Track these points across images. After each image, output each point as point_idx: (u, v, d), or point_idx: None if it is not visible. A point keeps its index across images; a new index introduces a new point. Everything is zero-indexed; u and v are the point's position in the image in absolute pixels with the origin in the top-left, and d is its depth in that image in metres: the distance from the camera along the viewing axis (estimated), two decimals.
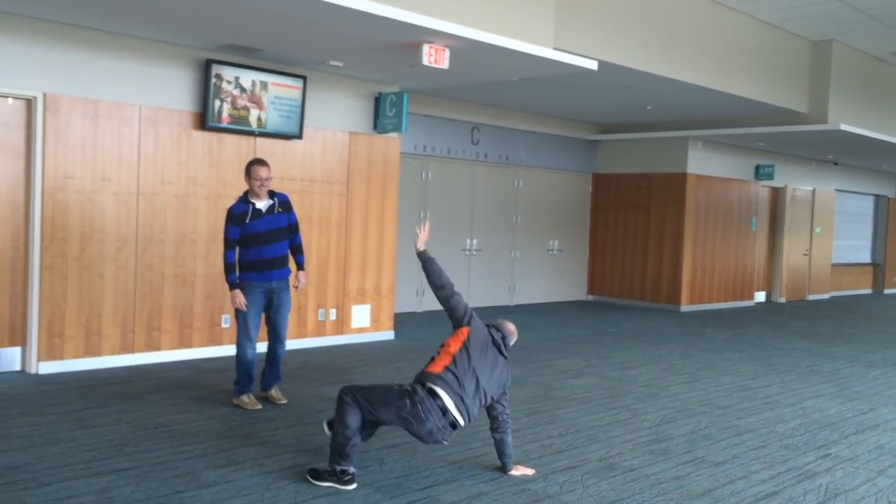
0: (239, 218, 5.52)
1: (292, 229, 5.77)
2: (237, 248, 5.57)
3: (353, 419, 4.13)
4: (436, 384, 4.13)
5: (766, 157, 14.36)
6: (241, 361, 5.65)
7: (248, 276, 5.56)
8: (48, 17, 6.18)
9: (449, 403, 4.12)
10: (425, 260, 4.56)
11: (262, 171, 5.53)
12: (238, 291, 5.50)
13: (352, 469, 4.12)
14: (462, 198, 11.76)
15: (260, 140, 7.59)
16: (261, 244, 5.55)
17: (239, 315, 5.60)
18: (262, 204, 5.59)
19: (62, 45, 6.38)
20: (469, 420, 4.24)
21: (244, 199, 5.59)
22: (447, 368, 4.19)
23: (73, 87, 6.47)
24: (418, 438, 4.19)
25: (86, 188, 6.56)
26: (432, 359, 4.32)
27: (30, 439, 4.68)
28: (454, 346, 4.30)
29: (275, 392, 5.86)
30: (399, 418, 4.10)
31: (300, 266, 5.87)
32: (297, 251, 5.84)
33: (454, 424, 4.18)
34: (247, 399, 5.68)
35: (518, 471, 4.46)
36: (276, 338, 5.77)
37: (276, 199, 5.66)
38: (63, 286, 6.47)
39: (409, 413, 4.06)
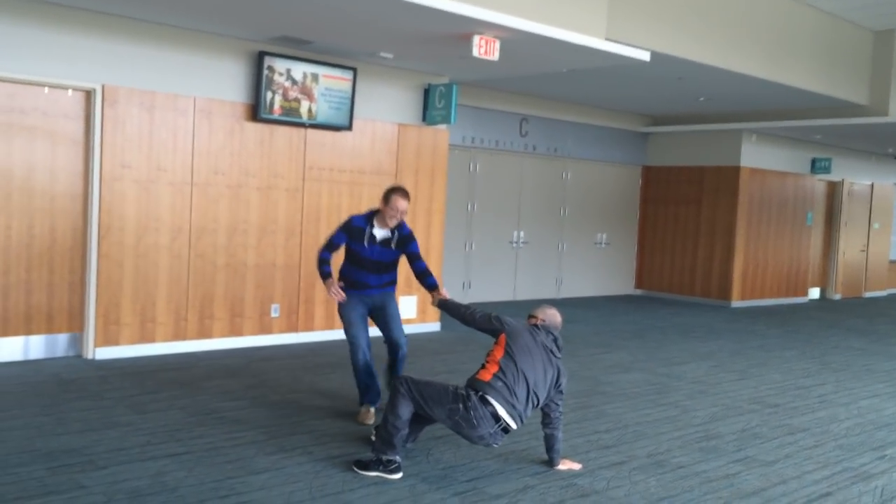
0: (354, 232, 5.09)
1: (415, 258, 5.19)
2: (339, 256, 5.18)
3: (405, 410, 4.16)
4: (487, 393, 4.13)
5: (822, 150, 14.00)
6: (354, 369, 5.21)
7: (346, 290, 5.11)
8: (107, 10, 6.32)
9: (501, 411, 4.12)
10: (443, 307, 4.80)
11: (401, 203, 4.97)
12: (332, 281, 5.01)
13: (398, 458, 4.15)
14: (510, 190, 11.72)
15: (310, 131, 7.67)
16: (367, 270, 5.14)
17: (342, 317, 5.17)
18: (381, 233, 5.10)
19: (120, 38, 6.52)
20: (521, 423, 4.24)
21: (368, 218, 5.11)
22: (496, 376, 4.18)
23: (131, 78, 6.61)
24: (468, 440, 4.21)
25: (142, 178, 6.71)
26: (483, 366, 4.31)
27: (87, 423, 4.82)
28: (498, 353, 4.29)
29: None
30: (451, 420, 4.11)
31: (432, 288, 5.07)
32: (425, 275, 5.15)
33: (506, 430, 4.18)
34: (363, 409, 5.25)
35: (565, 465, 4.44)
36: (392, 342, 5.23)
37: (396, 233, 5.11)
38: (119, 274, 6.63)
39: (461, 417, 4.08)
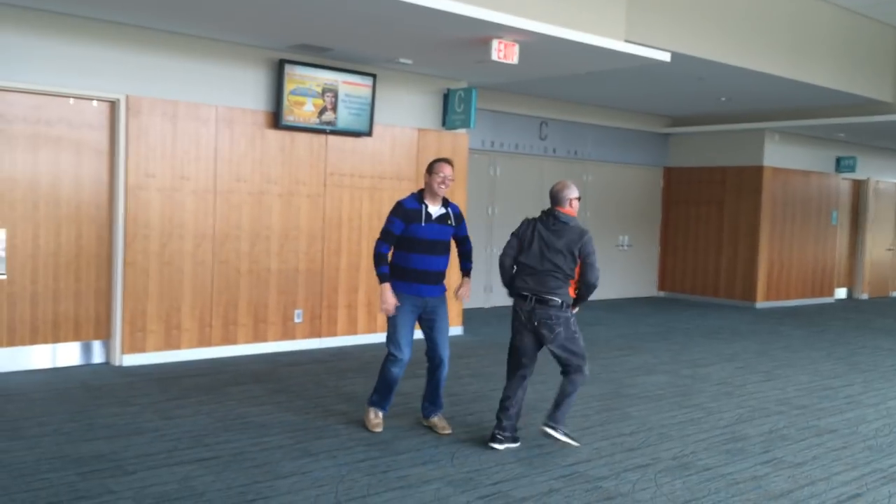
0: (409, 214, 4.86)
1: (463, 240, 5.16)
2: (392, 250, 4.97)
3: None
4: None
5: (847, 148, 13.84)
6: (383, 370, 4.99)
7: (396, 284, 4.89)
8: (129, 21, 6.40)
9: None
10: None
11: (446, 169, 4.88)
12: (389, 286, 4.84)
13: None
14: (530, 193, 11.69)
15: (331, 138, 7.71)
16: (420, 252, 4.88)
17: (389, 318, 4.95)
18: (435, 209, 4.94)
19: (143, 49, 6.60)
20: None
21: (417, 198, 4.94)
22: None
23: (154, 89, 6.69)
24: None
25: (166, 186, 6.78)
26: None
27: (115, 429, 4.87)
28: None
29: (438, 420, 5.09)
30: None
31: (466, 272, 5.17)
32: (466, 257, 5.17)
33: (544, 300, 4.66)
34: (373, 415, 5.07)
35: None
36: (434, 357, 5.02)
37: (449, 208, 5.01)
38: (145, 281, 6.71)
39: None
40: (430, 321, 4.97)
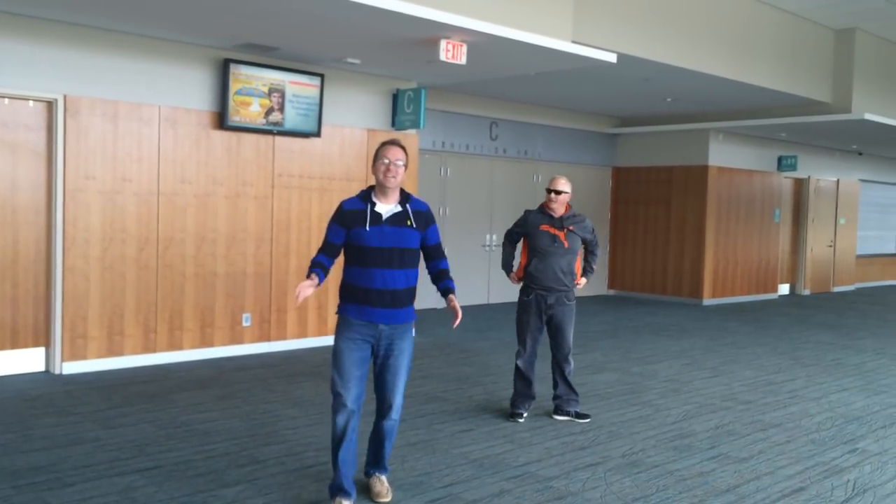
0: (349, 217, 3.77)
1: (434, 253, 3.98)
2: (337, 259, 3.89)
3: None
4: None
5: (788, 148, 14.18)
6: (332, 433, 3.80)
7: (345, 307, 3.80)
8: (66, 19, 6.22)
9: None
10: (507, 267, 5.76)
11: (393, 152, 3.80)
12: (310, 280, 3.64)
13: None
14: (481, 193, 11.73)
15: (278, 139, 7.60)
16: (369, 265, 3.73)
17: (334, 356, 3.80)
18: (387, 208, 3.79)
19: (81, 48, 6.41)
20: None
21: (363, 196, 3.84)
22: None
23: (93, 88, 6.50)
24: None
25: (107, 189, 6.60)
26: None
27: (53, 440, 4.72)
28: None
29: (376, 482, 3.96)
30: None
31: (447, 291, 3.95)
32: (443, 276, 3.99)
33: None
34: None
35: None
36: (381, 404, 3.88)
37: (409, 206, 3.85)
38: (85, 287, 6.52)
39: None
40: (384, 356, 3.80)
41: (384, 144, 3.88)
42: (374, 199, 3.81)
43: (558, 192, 5.43)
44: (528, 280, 5.49)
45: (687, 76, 9.07)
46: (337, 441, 3.78)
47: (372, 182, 3.90)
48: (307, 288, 3.58)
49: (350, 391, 3.72)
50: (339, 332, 3.80)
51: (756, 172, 13.66)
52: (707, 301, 12.83)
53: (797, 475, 4.50)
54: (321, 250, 3.83)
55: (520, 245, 5.69)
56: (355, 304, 3.76)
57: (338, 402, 3.74)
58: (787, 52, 9.93)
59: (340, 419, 3.74)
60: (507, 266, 5.72)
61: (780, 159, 14.06)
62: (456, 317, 3.88)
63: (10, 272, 6.28)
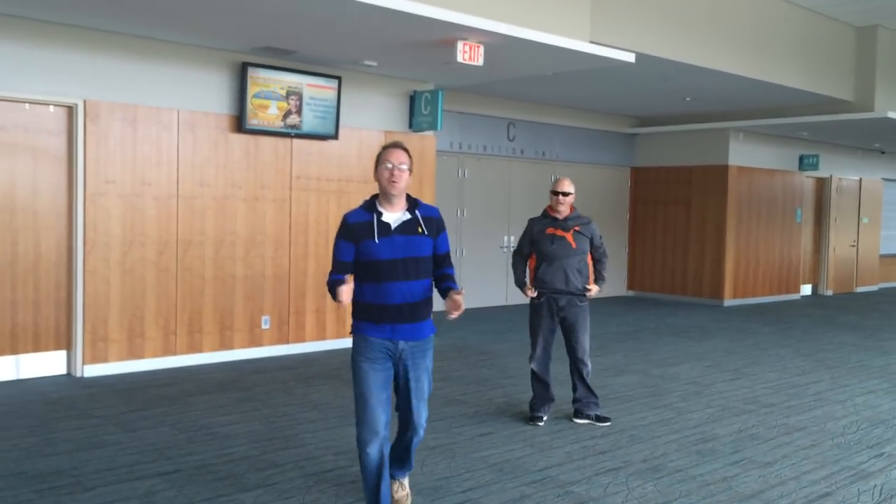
0: (357, 231, 3.53)
1: (442, 262, 3.72)
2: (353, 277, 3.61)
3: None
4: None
5: (810, 147, 14.03)
6: (362, 466, 3.55)
7: (360, 325, 3.59)
8: (87, 24, 6.25)
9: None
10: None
11: (395, 155, 3.58)
12: (341, 285, 3.43)
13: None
14: (499, 195, 11.69)
15: (296, 141, 7.61)
16: (383, 279, 3.51)
17: (355, 380, 3.56)
18: (394, 216, 3.57)
19: (101, 53, 6.45)
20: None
21: (367, 206, 3.61)
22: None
23: (113, 93, 6.54)
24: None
25: (126, 192, 6.63)
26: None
27: (75, 443, 4.74)
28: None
29: (398, 489, 3.90)
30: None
31: (450, 290, 3.63)
32: (447, 279, 3.75)
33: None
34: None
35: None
36: (406, 423, 3.71)
37: (418, 212, 3.65)
38: (106, 290, 6.55)
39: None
40: (406, 377, 3.60)
41: (386, 148, 3.64)
42: (380, 209, 3.57)
43: (564, 194, 5.39)
44: (539, 284, 5.43)
45: (706, 75, 8.98)
46: (374, 478, 3.48)
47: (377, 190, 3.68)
48: (348, 293, 3.43)
49: (380, 418, 3.47)
50: (358, 351, 3.56)
51: (777, 172, 13.53)
52: (728, 302, 12.72)
53: (823, 480, 4.43)
54: (334, 271, 3.58)
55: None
56: (372, 322, 3.55)
57: (367, 432, 3.46)
58: (807, 49, 9.82)
59: (373, 451, 3.47)
60: (520, 283, 5.58)
61: (801, 158, 13.91)
62: (456, 309, 3.52)
63: (31, 276, 6.32)
